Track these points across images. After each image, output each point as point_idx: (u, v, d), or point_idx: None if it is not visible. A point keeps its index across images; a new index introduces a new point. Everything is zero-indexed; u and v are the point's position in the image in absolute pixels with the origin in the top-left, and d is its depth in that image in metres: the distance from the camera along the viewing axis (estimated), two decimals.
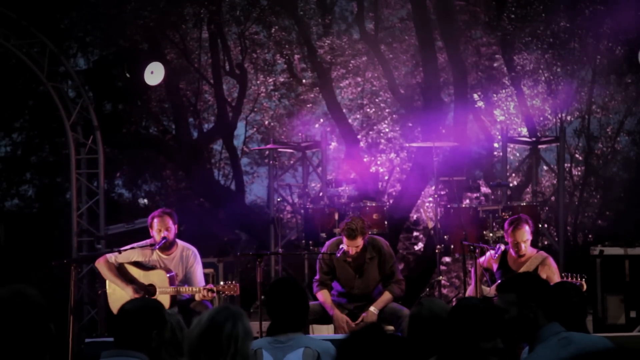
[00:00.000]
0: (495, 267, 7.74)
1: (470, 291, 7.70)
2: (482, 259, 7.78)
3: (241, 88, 14.61)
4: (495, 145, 14.43)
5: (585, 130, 14.31)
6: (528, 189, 13.38)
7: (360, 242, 7.71)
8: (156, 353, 4.00)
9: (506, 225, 7.73)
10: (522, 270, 7.52)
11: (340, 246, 7.81)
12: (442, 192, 10.60)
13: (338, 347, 3.03)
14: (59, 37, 13.06)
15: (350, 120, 14.71)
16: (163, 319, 4.06)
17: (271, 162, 11.33)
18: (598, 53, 13.35)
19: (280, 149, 11.72)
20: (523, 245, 7.56)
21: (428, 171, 11.56)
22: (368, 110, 15.37)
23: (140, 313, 4.07)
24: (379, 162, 15.16)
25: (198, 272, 7.67)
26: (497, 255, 7.67)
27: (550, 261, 7.62)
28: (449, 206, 9.90)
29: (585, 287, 7.17)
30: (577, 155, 14.58)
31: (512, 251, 7.67)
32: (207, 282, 7.93)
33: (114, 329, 4.12)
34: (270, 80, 15.19)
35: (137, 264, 7.68)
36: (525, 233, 7.55)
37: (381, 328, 3.05)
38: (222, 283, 7.56)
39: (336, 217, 9.78)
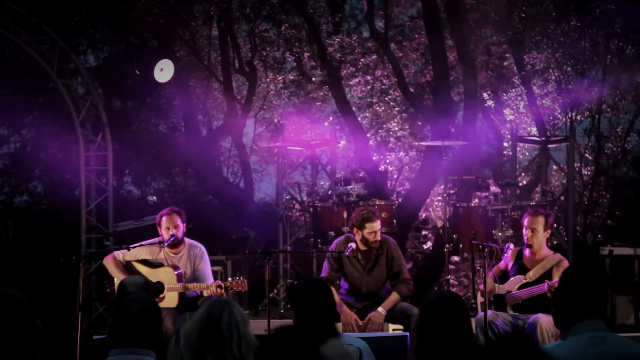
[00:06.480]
0: (510, 264, 7.71)
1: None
2: (500, 263, 7.73)
3: (250, 86, 14.62)
4: (505, 144, 14.42)
5: (595, 130, 14.25)
6: (537, 189, 13.34)
7: (379, 225, 7.73)
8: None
9: (525, 214, 7.73)
10: (536, 269, 7.50)
11: (349, 244, 7.80)
12: (451, 191, 10.57)
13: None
14: (69, 34, 13.07)
15: (359, 119, 14.70)
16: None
17: (280, 160, 11.32)
18: (608, 52, 13.31)
19: (289, 147, 11.70)
20: (535, 233, 7.53)
21: (437, 170, 11.53)
22: (377, 108, 15.35)
23: (151, 312, 4.07)
24: (388, 161, 15.14)
25: (206, 269, 7.67)
26: (506, 255, 7.64)
27: (566, 264, 7.57)
28: (458, 205, 9.88)
29: None
30: (587, 155, 14.53)
31: (525, 246, 7.64)
32: (215, 279, 7.92)
33: (124, 328, 4.07)
34: (280, 78, 15.19)
35: (145, 262, 7.68)
36: (540, 222, 7.53)
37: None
38: (230, 279, 7.55)
39: (345, 215, 9.77)
